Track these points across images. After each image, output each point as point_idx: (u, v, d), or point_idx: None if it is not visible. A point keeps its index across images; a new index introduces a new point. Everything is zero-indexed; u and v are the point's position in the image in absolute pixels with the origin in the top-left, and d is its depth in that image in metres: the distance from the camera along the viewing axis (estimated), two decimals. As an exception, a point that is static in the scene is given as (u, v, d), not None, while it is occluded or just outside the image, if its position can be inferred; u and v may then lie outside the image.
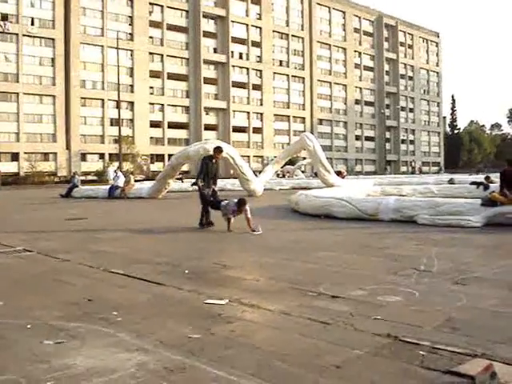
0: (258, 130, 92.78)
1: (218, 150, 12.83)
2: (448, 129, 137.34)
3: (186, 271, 6.84)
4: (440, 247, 8.27)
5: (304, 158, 58.64)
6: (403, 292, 5.47)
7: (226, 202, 11.53)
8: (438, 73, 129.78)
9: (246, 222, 11.03)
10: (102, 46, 75.95)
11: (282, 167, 36.51)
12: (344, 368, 3.42)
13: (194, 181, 12.75)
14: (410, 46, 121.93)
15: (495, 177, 15.54)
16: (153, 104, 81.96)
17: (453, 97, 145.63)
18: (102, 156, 74.84)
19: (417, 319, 4.47)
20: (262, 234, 10.63)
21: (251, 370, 3.39)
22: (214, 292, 5.59)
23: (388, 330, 4.17)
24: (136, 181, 31.52)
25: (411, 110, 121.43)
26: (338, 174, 29.99)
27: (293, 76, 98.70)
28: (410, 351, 3.71)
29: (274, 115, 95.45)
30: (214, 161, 12.38)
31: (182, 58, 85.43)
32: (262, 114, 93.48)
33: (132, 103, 78.79)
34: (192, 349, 3.82)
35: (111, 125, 74.96)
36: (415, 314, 4.68)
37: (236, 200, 11.38)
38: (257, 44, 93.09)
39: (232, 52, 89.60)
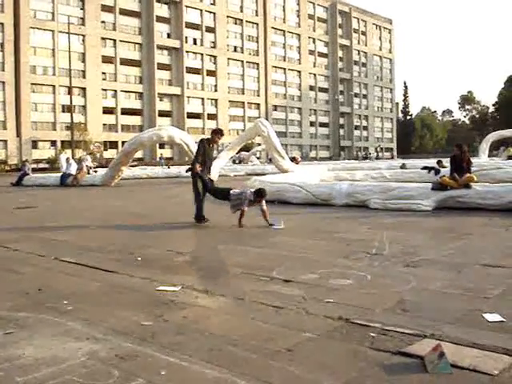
0: (212, 117, 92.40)
1: (220, 132, 10.89)
2: (400, 115, 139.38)
3: (139, 258, 6.78)
4: (391, 231, 8.40)
5: (259, 144, 58.71)
6: (355, 275, 5.54)
7: (238, 191, 10.05)
8: (390, 59, 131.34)
9: (261, 215, 9.67)
10: (53, 31, 74.21)
11: (236, 153, 36.45)
12: (295, 351, 3.44)
13: (189, 166, 11.47)
14: (364, 33, 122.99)
15: (446, 162, 15.83)
16: (105, 90, 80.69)
17: (405, 83, 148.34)
18: (53, 143, 73.42)
19: (368, 302, 4.53)
20: (283, 228, 9.27)
21: (203, 355, 3.38)
22: (166, 279, 5.56)
23: (339, 312, 4.21)
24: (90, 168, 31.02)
25: (365, 97, 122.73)
26: (293, 159, 30.12)
27: (247, 62, 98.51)
28: (360, 333, 3.76)
29: (229, 101, 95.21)
30: (211, 145, 10.68)
31: (134, 43, 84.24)
32: (216, 100, 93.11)
33: (84, 89, 77.38)
34: (144, 336, 3.78)
35: (63, 111, 73.59)
36: (366, 296, 4.74)
37: (252, 189, 10.01)
38: (211, 29, 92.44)
39: (186, 37, 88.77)
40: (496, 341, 3.51)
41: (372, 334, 3.72)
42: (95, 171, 28.95)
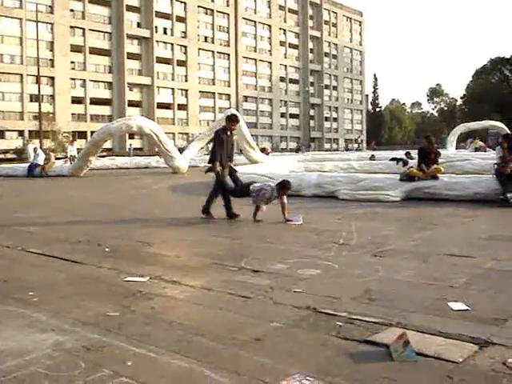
0: (183, 107, 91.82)
1: (234, 118, 9.96)
2: (370, 107, 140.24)
3: (107, 249, 6.73)
4: (359, 221, 8.47)
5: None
6: (323, 265, 5.58)
7: (259, 185, 9.28)
8: (361, 51, 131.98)
9: (281, 209, 8.94)
10: (21, 19, 72.71)
11: (206, 144, 36.33)
12: (263, 340, 3.45)
13: (208, 166, 9.92)
14: (334, 25, 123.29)
15: (415, 153, 16.00)
16: (74, 79, 79.54)
17: (375, 75, 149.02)
18: (21, 133, 72.12)
19: (335, 291, 4.56)
20: (302, 224, 8.62)
21: (171, 346, 3.37)
22: (135, 269, 5.53)
23: (307, 302, 4.24)
24: (57, 158, 30.62)
25: (335, 88, 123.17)
26: (263, 150, 30.15)
27: (218, 52, 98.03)
28: (328, 322, 3.79)
29: (200, 92, 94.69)
30: (229, 133, 9.75)
31: (104, 32, 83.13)
32: (187, 90, 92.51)
33: (52, 78, 76.15)
34: (110, 327, 3.76)
35: (31, 101, 72.27)
36: (334, 286, 4.78)
37: (275, 182, 9.26)
38: (181, 19, 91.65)
39: (156, 27, 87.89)
40: (461, 329, 3.57)
41: (339, 323, 3.75)
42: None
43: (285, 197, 8.95)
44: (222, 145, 9.43)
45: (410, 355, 3.12)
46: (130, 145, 64.91)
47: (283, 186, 9.00)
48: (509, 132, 28.54)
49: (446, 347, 3.28)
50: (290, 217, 8.74)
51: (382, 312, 3.97)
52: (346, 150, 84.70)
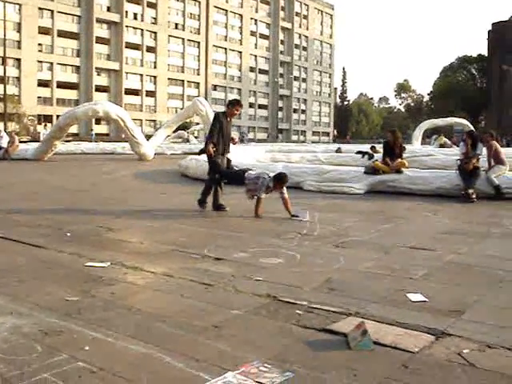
0: (151, 94, 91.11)
1: (237, 103, 9.34)
2: (338, 100, 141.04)
3: (68, 234, 6.65)
4: (323, 212, 8.52)
5: (197, 124, 58.29)
6: (285, 254, 5.60)
7: (255, 173, 8.62)
8: (331, 45, 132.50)
9: (282, 205, 8.33)
10: (-13, -1, 71.17)
11: (174, 131, 36.11)
12: (222, 328, 3.45)
13: (201, 148, 9.47)
14: (306, 17, 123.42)
15: (380, 147, 16.15)
16: (41, 62, 78.26)
17: (344, 69, 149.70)
18: (-16, 115, 70.67)
19: (296, 280, 4.59)
20: (309, 221, 7.93)
21: (130, 331, 3.35)
22: (96, 255, 5.48)
23: (268, 290, 4.26)
24: (21, 142, 30.09)
25: (304, 80, 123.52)
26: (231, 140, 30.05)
27: (188, 40, 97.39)
28: (287, 311, 3.81)
29: (168, 79, 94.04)
30: (228, 119, 9.14)
31: (73, 15, 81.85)
32: (155, 77, 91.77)
33: (19, 60, 74.76)
34: (69, 311, 3.72)
35: (-5, 82, 70.81)
36: (295, 275, 4.81)
37: (270, 174, 8.49)
38: (152, 5, 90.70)
39: (126, 12, 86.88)
40: (418, 320, 3.62)
41: (298, 312, 3.77)
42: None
43: (285, 191, 8.27)
44: (219, 128, 8.90)
45: (368, 344, 3.15)
46: (91, 130, 64.15)
47: (280, 179, 8.28)
48: (473, 129, 29.00)
49: (403, 337, 3.32)
50: (295, 212, 8.19)
51: (342, 301, 4.01)
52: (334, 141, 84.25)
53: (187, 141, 46.13)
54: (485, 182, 10.98)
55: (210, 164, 9.07)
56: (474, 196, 10.51)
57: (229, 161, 9.26)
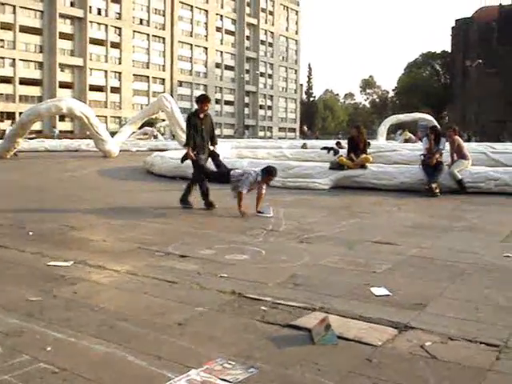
0: (116, 90, 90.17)
1: (204, 99, 9.11)
2: (304, 96, 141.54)
3: (31, 233, 6.54)
4: (288, 208, 8.53)
5: (163, 120, 57.93)
6: (250, 251, 5.61)
7: (240, 171, 8.50)
8: (296, 41, 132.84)
9: (255, 199, 8.26)
10: None
11: (139, 128, 35.85)
12: (186, 325, 3.43)
13: (182, 155, 9.20)
14: (271, 13, 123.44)
15: (345, 143, 16.24)
16: (3, 58, 76.81)
17: (309, 65, 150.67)
18: None
19: (261, 276, 4.59)
20: (273, 217, 7.91)
21: (92, 330, 3.31)
22: (59, 254, 5.40)
23: (233, 287, 4.25)
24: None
25: (270, 76, 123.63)
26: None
27: (153, 36, 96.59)
28: (252, 307, 3.80)
29: (133, 75, 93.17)
30: (201, 115, 9.01)
31: (35, 10, 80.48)
32: (120, 73, 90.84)
33: (-21, 57, 73.33)
34: (31, 312, 3.66)
35: (-45, 79, 69.41)
36: (260, 271, 4.81)
37: (259, 168, 8.34)
38: (116, 0, 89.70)
39: (90, 7, 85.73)
40: (381, 314, 3.65)
41: (263, 308, 3.77)
42: None
43: (264, 186, 8.28)
44: (193, 129, 8.83)
45: (331, 339, 3.17)
46: (53, 127, 63.21)
47: (269, 173, 8.19)
48: (437, 125, 29.40)
49: (367, 331, 3.35)
50: (261, 209, 8.16)
51: (306, 297, 4.02)
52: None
53: (155, 137, 45.88)
54: (448, 177, 11.14)
55: (195, 167, 8.98)
56: (437, 190, 10.66)
57: (217, 155, 9.15)
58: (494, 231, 6.91)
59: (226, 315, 3.65)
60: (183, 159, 9.23)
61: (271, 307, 3.80)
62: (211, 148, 9.10)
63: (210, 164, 9.25)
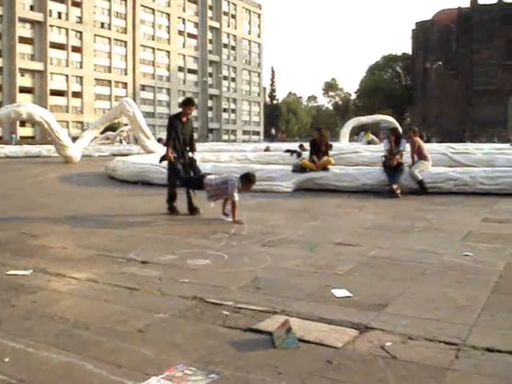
0: (77, 95, 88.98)
1: (189, 102, 9.03)
2: (268, 99, 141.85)
3: (-11, 242, 6.41)
4: (251, 211, 8.51)
5: (126, 125, 57.47)
6: (212, 255, 5.59)
7: (214, 177, 8.28)
8: (259, 44, 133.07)
9: (222, 203, 8.14)
10: None
11: (101, 133, 35.49)
12: (147, 332, 3.40)
13: (161, 156, 9.03)
14: (234, 16, 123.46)
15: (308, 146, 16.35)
16: (-39, 63, 75.24)
17: (272, 68, 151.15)
18: None
19: (224, 281, 4.58)
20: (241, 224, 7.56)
21: (51, 340, 3.27)
22: (18, 262, 5.30)
23: (195, 292, 4.23)
24: None
25: (233, 80, 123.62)
26: (159, 141, 29.84)
27: (115, 39, 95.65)
28: (214, 312, 3.79)
29: (95, 79, 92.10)
30: (184, 119, 8.83)
31: (-6, 14, 78.96)
32: (81, 77, 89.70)
33: None
34: (-12, 323, 3.59)
35: None
36: (223, 275, 4.80)
37: (237, 175, 8.05)
38: (77, 4, 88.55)
39: (50, 11, 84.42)
40: (342, 315, 3.68)
41: (225, 313, 3.77)
42: None
43: (236, 195, 7.80)
44: (174, 131, 8.67)
45: (292, 342, 3.18)
46: (12, 133, 62.13)
47: (248, 180, 7.91)
48: (398, 126, 29.77)
49: (328, 333, 3.37)
50: (227, 212, 7.99)
51: (268, 300, 4.03)
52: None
53: (120, 142, 45.49)
54: (409, 178, 11.30)
55: (169, 170, 8.85)
56: (398, 191, 10.80)
57: (193, 161, 8.93)
58: (453, 231, 7.02)
59: (188, 321, 3.63)
60: (162, 159, 9.04)
61: (233, 311, 3.79)
62: (190, 155, 8.89)
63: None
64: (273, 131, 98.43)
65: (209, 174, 8.78)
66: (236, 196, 7.67)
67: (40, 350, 3.11)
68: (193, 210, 8.63)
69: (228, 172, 10.75)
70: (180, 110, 9.06)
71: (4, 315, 3.75)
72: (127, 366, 2.87)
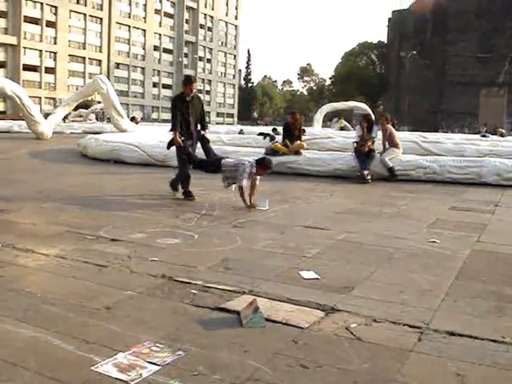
0: (51, 71, 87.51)
1: (188, 81, 8.42)
2: (243, 82, 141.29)
3: (-44, 217, 6.33)
4: (223, 193, 8.50)
5: (99, 102, 56.79)
6: (183, 235, 5.60)
7: (232, 160, 7.95)
8: (236, 26, 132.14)
9: (247, 192, 7.64)
10: None
11: (74, 110, 35.06)
12: (114, 309, 3.41)
13: (168, 141, 8.52)
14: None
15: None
16: None
17: (248, 51, 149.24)
18: None
19: (193, 260, 4.60)
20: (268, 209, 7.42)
21: (18, 315, 3.25)
22: (-15, 238, 5.24)
23: (164, 271, 4.24)
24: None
25: (209, 61, 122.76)
26: (132, 119, 29.60)
27: (90, 16, 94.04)
28: (182, 290, 3.81)
29: (69, 55, 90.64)
30: (188, 98, 8.32)
31: (-35, -15, 77.08)
32: (55, 53, 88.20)
33: None
34: (-47, 298, 3.55)
35: None
36: (192, 255, 4.82)
37: (252, 160, 7.73)
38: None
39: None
40: (310, 296, 3.73)
41: (193, 291, 3.79)
42: None
43: (258, 178, 7.72)
44: (179, 113, 8.14)
45: (259, 321, 3.22)
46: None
47: (263, 165, 7.70)
48: (371, 113, 29.92)
49: (294, 314, 3.41)
50: (256, 201, 7.63)
51: (237, 280, 4.06)
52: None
53: (97, 119, 45.00)
54: (379, 164, 11.40)
55: (179, 155, 8.32)
56: (369, 177, 10.90)
57: (207, 141, 8.49)
58: (421, 218, 7.12)
59: (156, 299, 3.64)
60: (169, 145, 8.52)
61: (201, 290, 3.82)
62: (202, 133, 8.47)
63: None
64: (255, 114, 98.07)
65: (227, 157, 8.40)
66: (244, 181, 7.46)
67: (6, 325, 3.10)
68: (187, 194, 8.23)
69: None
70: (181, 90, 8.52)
71: (-30, 290, 3.72)
72: (94, 342, 2.88)
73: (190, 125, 8.25)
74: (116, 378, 2.50)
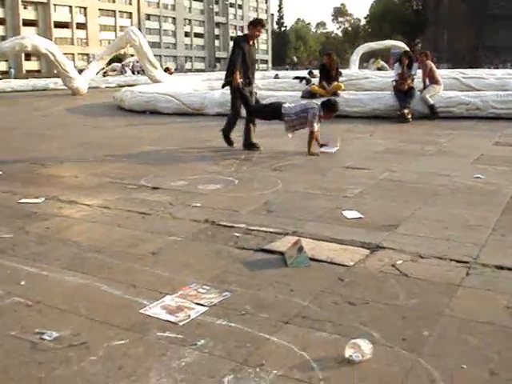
0: (82, 26, 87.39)
1: (258, 23, 7.87)
2: (275, 26, 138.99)
3: (0, 172, 6.42)
4: (263, 138, 8.43)
5: (132, 55, 56.63)
6: (223, 180, 5.60)
7: (293, 105, 7.51)
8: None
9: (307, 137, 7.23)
10: None
11: (108, 64, 35.07)
12: (160, 254, 3.44)
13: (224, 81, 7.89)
14: None
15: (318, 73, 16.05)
16: (-38, -5, 73.79)
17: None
18: None
19: (235, 204, 4.60)
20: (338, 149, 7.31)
21: (65, 263, 3.31)
22: (30, 191, 5.32)
23: (206, 216, 4.25)
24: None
25: (240, 7, 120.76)
26: (166, 70, 29.47)
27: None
28: (225, 234, 3.82)
29: (99, 10, 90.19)
30: (251, 43, 7.74)
31: None
32: (85, 8, 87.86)
33: None
34: (3, 249, 3.63)
35: None
36: (234, 199, 4.82)
37: (318, 103, 7.40)
38: None
39: None
40: (354, 235, 3.70)
41: (236, 234, 3.79)
42: None
43: (316, 124, 7.19)
44: (242, 54, 7.52)
45: (304, 261, 3.20)
46: (10, 67, 61.38)
47: (330, 107, 7.34)
48: (409, 50, 29.14)
49: (339, 252, 3.39)
50: (325, 142, 7.38)
51: (279, 222, 4.05)
52: None
53: (133, 73, 44.83)
54: (420, 102, 11.13)
55: (234, 97, 7.77)
56: (409, 116, 10.66)
57: (254, 93, 8.00)
58: (465, 154, 6.97)
59: (200, 243, 3.66)
60: (225, 84, 7.89)
61: (244, 233, 3.82)
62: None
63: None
64: (294, 58, 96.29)
65: (284, 102, 7.80)
66: (315, 126, 7.11)
67: (54, 274, 3.16)
68: (251, 145, 7.72)
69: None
70: (246, 32, 8.01)
71: (18, 241, 3.79)
72: (141, 286, 2.91)
73: (248, 69, 7.69)
74: (165, 320, 2.53)
